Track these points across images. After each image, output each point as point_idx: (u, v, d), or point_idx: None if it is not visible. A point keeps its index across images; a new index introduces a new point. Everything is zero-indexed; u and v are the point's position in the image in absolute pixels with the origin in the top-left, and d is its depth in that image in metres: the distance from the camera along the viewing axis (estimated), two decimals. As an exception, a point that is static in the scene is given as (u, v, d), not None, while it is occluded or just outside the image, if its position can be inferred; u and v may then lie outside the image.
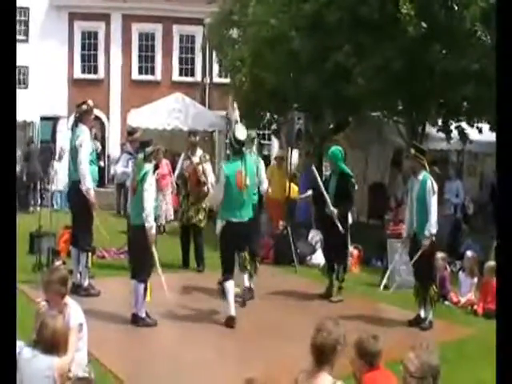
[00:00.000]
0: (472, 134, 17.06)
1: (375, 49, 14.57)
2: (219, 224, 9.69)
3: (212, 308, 10.16)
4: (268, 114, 22.21)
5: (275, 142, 28.07)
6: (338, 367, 4.86)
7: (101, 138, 28.41)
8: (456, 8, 14.08)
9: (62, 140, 23.70)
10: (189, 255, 13.26)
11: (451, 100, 16.02)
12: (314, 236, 14.77)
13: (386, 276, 10.65)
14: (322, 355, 4.71)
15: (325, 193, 11.29)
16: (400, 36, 14.07)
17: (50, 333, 5.06)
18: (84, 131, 10.56)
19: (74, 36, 30.10)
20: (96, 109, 12.66)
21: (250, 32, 18.83)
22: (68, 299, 6.16)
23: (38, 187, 22.08)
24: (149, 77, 30.81)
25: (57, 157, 21.44)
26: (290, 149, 15.95)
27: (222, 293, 9.82)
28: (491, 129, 16.34)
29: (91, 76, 30.32)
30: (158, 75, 30.86)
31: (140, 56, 30.87)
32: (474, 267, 11.82)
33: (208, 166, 13.06)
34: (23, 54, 23.47)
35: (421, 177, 9.80)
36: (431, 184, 9.68)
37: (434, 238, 9.71)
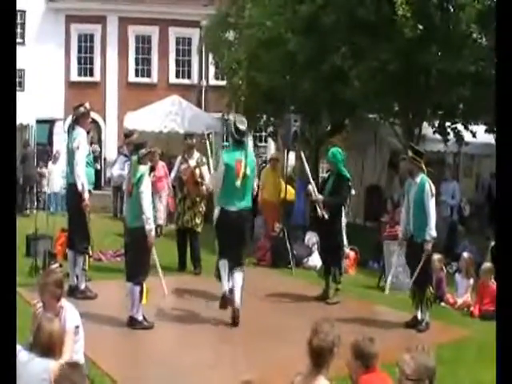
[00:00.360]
0: (468, 135, 17.10)
1: (372, 51, 14.60)
2: (216, 211, 9.73)
3: (209, 311, 10.14)
4: (264, 116, 22.22)
5: (272, 144, 28.10)
6: (334, 369, 4.86)
7: (97, 140, 28.42)
8: (452, 10, 14.14)
9: (59, 143, 23.74)
10: (185, 258, 13.24)
11: (447, 102, 16.06)
12: (311, 238, 14.76)
13: (389, 281, 10.67)
14: (320, 358, 4.69)
15: (312, 181, 11.33)
16: (396, 38, 14.10)
17: (47, 336, 5.04)
18: (80, 134, 10.54)
19: (70, 39, 30.15)
20: (92, 111, 12.65)
21: (247, 34, 18.86)
22: (64, 302, 6.15)
23: (34, 190, 22.04)
24: (145, 79, 30.85)
25: (52, 159, 21.54)
26: (286, 151, 15.95)
27: (218, 276, 9.84)
28: (487, 130, 16.38)
29: (88, 78, 30.36)
30: (155, 78, 30.90)
31: (136, 58, 30.93)
32: (470, 269, 11.81)
33: (205, 169, 13.06)
34: (20, 57, 23.26)
35: (418, 179, 9.77)
36: (429, 187, 9.66)
37: (433, 240, 9.71)
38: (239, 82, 19.97)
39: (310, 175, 11.58)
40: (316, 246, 14.09)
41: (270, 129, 23.06)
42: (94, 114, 20.38)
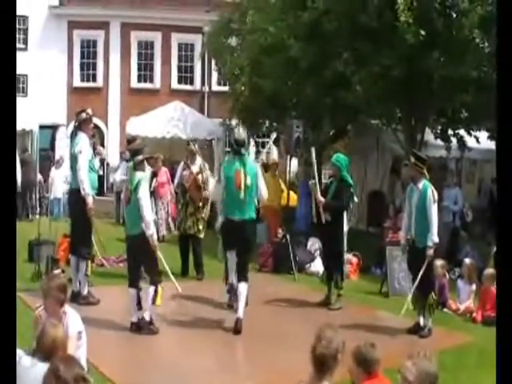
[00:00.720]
0: (470, 141, 17.09)
1: (374, 56, 14.59)
2: (219, 219, 9.87)
3: (211, 316, 10.15)
4: (267, 122, 22.23)
5: (274, 150, 28.10)
6: (337, 375, 4.85)
7: (99, 146, 28.44)
8: (454, 15, 14.12)
9: (61, 148, 23.77)
10: (188, 263, 13.24)
11: (450, 107, 16.05)
12: (313, 244, 14.77)
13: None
14: (324, 365, 4.66)
15: (316, 178, 11.37)
16: (398, 44, 14.08)
17: (50, 341, 5.04)
18: (83, 139, 10.56)
19: (73, 44, 30.20)
20: (95, 117, 12.67)
21: (249, 40, 18.87)
22: (67, 307, 6.16)
23: (35, 195, 22.06)
24: (148, 85, 30.89)
25: (55, 165, 21.56)
26: (288, 157, 15.96)
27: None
28: (490, 136, 16.37)
29: (90, 84, 30.41)
30: (157, 83, 30.94)
31: (139, 64, 30.97)
32: (473, 274, 11.81)
33: (208, 175, 13.07)
34: (22, 63, 23.54)
35: (421, 185, 9.78)
36: (431, 192, 9.66)
37: (435, 246, 9.71)
38: (242, 88, 19.97)
39: (316, 171, 11.56)
40: (318, 252, 14.10)
41: (273, 135, 23.06)
42: (96, 120, 20.36)
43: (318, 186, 11.33)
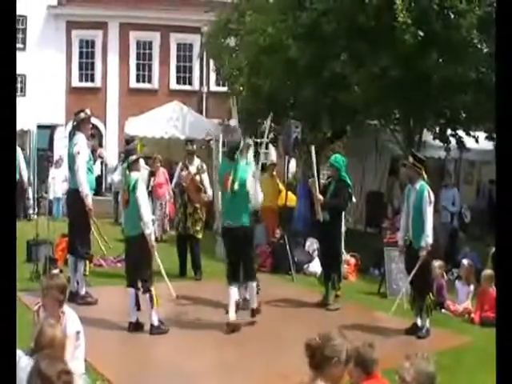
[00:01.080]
0: (469, 142, 17.11)
1: (372, 57, 14.61)
2: (218, 223, 10.11)
3: (209, 317, 10.14)
4: (265, 123, 22.20)
5: (273, 150, 28.09)
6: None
7: (98, 145, 28.40)
8: (452, 16, 14.13)
9: (60, 148, 23.73)
10: (186, 264, 13.24)
11: (448, 108, 16.07)
12: (311, 244, 14.78)
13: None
14: (314, 360, 4.55)
15: (316, 176, 11.41)
16: (397, 44, 14.11)
17: (48, 341, 5.04)
18: (81, 139, 10.56)
19: (71, 44, 30.13)
20: (93, 117, 12.67)
21: (248, 40, 18.90)
22: (65, 307, 6.15)
23: (31, 195, 22.01)
24: (146, 85, 30.85)
25: (54, 165, 21.54)
26: (287, 157, 15.96)
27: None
28: (488, 137, 16.39)
29: (89, 84, 30.35)
30: (156, 84, 30.90)
31: (137, 64, 30.92)
32: (470, 275, 11.82)
33: (205, 176, 13.07)
34: (21, 63, 23.41)
35: (418, 186, 9.78)
36: (428, 194, 9.67)
37: (429, 247, 9.71)
38: (240, 88, 19.99)
39: (315, 170, 11.57)
40: (317, 253, 14.10)
41: (271, 135, 23.05)
42: (94, 120, 20.36)
43: (316, 184, 11.35)
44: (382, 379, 5.10)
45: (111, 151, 28.44)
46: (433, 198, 9.79)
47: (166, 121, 23.80)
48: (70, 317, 6.09)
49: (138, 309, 9.15)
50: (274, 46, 16.84)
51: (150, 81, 30.99)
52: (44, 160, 23.51)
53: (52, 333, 5.09)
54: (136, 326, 9.17)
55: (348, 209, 12.72)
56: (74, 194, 10.55)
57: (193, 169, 12.95)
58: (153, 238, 9.16)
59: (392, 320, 10.55)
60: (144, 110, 25.27)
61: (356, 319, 10.50)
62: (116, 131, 29.42)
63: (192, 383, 7.58)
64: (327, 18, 15.14)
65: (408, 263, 10.04)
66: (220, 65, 23.59)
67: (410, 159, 10.13)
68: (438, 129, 17.15)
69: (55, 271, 10.97)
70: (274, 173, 17.17)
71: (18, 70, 22.53)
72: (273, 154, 27.88)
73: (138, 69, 30.97)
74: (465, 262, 12.21)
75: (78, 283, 10.58)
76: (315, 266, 13.96)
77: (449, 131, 16.93)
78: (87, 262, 11.05)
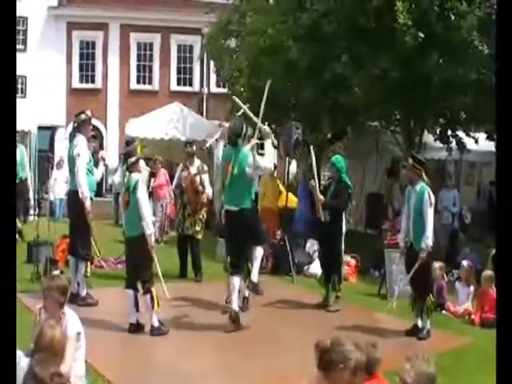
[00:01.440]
0: (469, 143, 17.11)
1: (372, 58, 14.61)
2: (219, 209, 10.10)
3: (209, 318, 10.13)
4: (266, 124, 22.19)
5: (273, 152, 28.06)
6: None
7: (98, 148, 28.40)
8: (453, 18, 14.12)
9: (60, 149, 23.72)
10: (186, 265, 13.23)
11: (448, 109, 16.07)
12: (312, 246, 14.78)
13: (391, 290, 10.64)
14: (322, 363, 4.57)
15: (316, 178, 11.40)
16: (397, 46, 14.10)
17: (48, 342, 5.04)
18: (81, 141, 10.57)
19: (72, 45, 30.20)
20: (94, 118, 12.67)
21: (248, 42, 18.89)
22: (66, 308, 6.15)
23: (33, 196, 21.99)
24: (147, 86, 30.89)
25: (55, 166, 21.55)
26: (287, 158, 15.96)
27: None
28: (488, 138, 16.39)
29: (89, 85, 30.41)
30: (156, 85, 30.94)
31: (138, 66, 30.98)
32: (471, 277, 11.82)
33: (206, 177, 13.07)
34: (21, 64, 23.46)
35: (418, 188, 9.78)
36: (428, 195, 9.67)
37: (430, 249, 9.71)
38: (241, 90, 19.98)
39: (315, 171, 11.56)
40: (317, 254, 14.09)
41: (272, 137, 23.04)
42: (95, 121, 20.37)
43: (317, 184, 11.35)
44: (383, 380, 5.09)
45: (112, 153, 28.50)
46: (433, 200, 9.79)
47: (167, 122, 23.76)
48: (71, 318, 6.09)
49: (138, 310, 9.15)
50: (274, 47, 16.84)
51: (150, 82, 31.04)
52: (44, 161, 23.49)
53: (52, 334, 5.09)
54: (136, 327, 9.17)
55: (348, 210, 12.72)
56: (74, 196, 10.55)
57: (193, 170, 12.97)
58: (153, 238, 9.18)
59: (392, 321, 10.56)
60: (144, 111, 25.26)
61: (356, 320, 10.50)
62: (116, 132, 29.45)
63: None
64: (328, 19, 15.14)
65: (408, 265, 10.03)
66: (220, 66, 23.58)
67: (410, 161, 10.13)
68: (438, 130, 17.15)
69: (56, 272, 10.97)
70: (275, 174, 17.18)
71: (19, 71, 22.60)
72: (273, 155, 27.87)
73: (138, 70, 31.03)
74: (465, 263, 12.21)
75: (78, 284, 10.58)
76: (315, 268, 13.95)
77: (449, 132, 16.93)
78: (88, 263, 11.04)
